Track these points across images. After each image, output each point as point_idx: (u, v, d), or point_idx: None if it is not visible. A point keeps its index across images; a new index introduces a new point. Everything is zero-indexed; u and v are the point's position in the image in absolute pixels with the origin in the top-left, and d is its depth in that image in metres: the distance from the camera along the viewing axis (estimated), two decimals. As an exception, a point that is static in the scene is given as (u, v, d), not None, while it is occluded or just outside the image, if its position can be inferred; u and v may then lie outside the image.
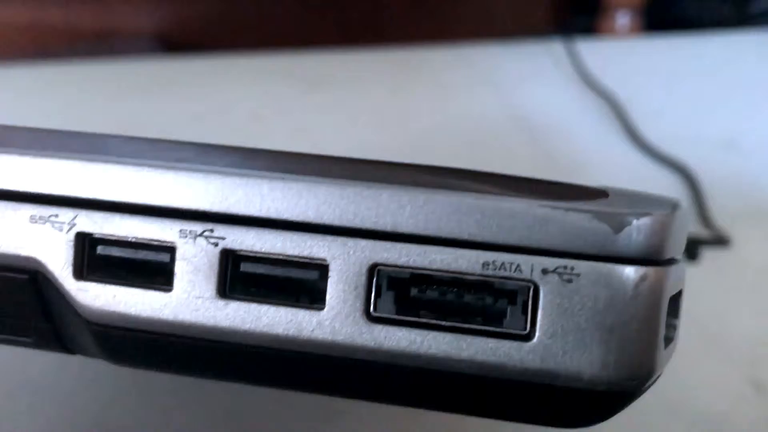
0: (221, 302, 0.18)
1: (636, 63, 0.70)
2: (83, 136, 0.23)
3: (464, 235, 0.17)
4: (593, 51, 0.68)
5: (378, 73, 0.68)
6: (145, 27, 0.94)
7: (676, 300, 0.19)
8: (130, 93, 0.63)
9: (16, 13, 0.91)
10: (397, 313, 0.18)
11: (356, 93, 0.64)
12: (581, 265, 0.17)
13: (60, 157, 0.19)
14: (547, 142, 0.59)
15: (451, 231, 0.17)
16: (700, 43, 0.73)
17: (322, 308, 0.18)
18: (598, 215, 0.17)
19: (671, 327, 0.19)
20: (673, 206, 0.18)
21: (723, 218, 0.48)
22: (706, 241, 0.46)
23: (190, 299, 0.18)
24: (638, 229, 0.17)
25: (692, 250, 0.43)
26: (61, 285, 0.19)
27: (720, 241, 0.46)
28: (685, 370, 0.35)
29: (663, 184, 0.53)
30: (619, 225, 0.17)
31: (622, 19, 0.88)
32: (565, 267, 0.17)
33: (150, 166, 0.19)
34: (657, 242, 0.17)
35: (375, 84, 0.66)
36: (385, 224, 0.18)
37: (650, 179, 0.54)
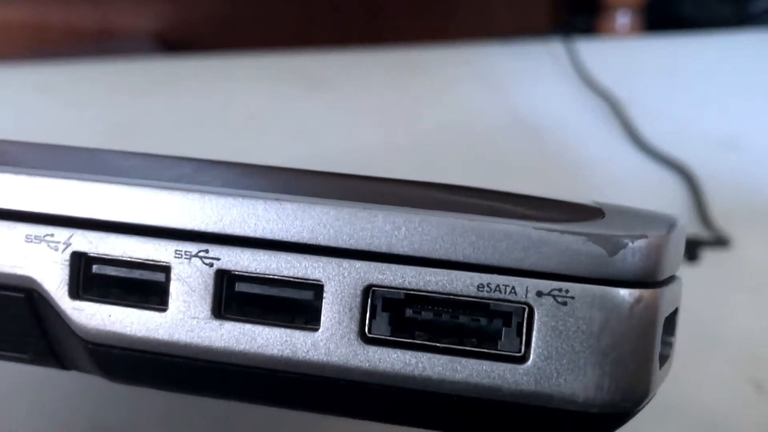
0: (216, 322, 0.18)
1: (636, 63, 0.70)
2: (77, 151, 0.23)
3: (459, 257, 0.17)
4: (593, 51, 0.68)
5: (378, 73, 0.68)
6: (144, 27, 0.94)
7: (671, 318, 0.19)
8: (129, 93, 0.63)
9: (15, 12, 0.91)
10: (392, 334, 0.18)
11: (356, 93, 0.64)
12: (576, 288, 0.17)
13: (56, 177, 0.19)
14: (547, 142, 0.59)
15: (446, 252, 0.17)
16: (700, 43, 0.73)
17: (317, 329, 0.18)
18: (593, 238, 0.17)
19: (667, 345, 0.19)
20: (669, 226, 0.18)
21: (723, 218, 0.48)
22: (706, 241, 0.46)
23: (185, 319, 0.18)
24: (633, 252, 0.17)
25: (692, 250, 0.43)
26: (56, 304, 0.19)
27: (720, 241, 0.46)
28: (685, 370, 0.35)
29: (663, 185, 0.53)
30: (614, 248, 0.17)
31: (622, 19, 0.88)
32: (560, 289, 0.17)
33: (145, 186, 0.19)
34: (652, 264, 0.17)
35: (375, 84, 0.66)
36: (380, 245, 0.18)
37: (650, 179, 0.54)
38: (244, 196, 0.18)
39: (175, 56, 0.82)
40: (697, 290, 0.38)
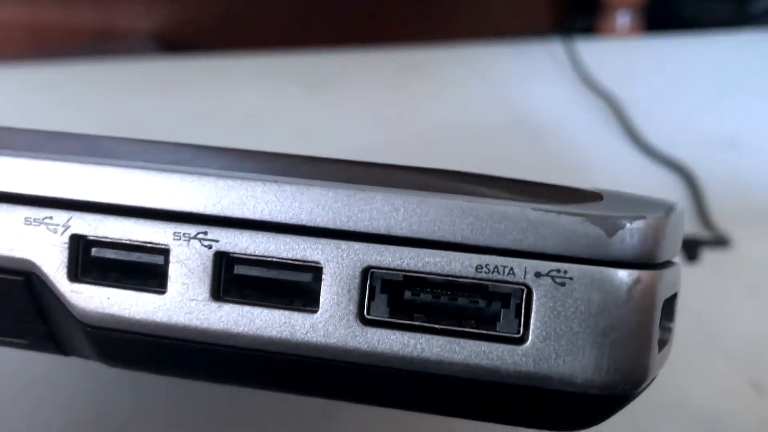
0: (215, 304, 0.18)
1: (636, 63, 0.70)
2: (77, 137, 0.23)
3: (457, 238, 0.17)
4: (593, 51, 0.68)
5: (378, 73, 0.68)
6: (144, 27, 0.94)
7: (670, 303, 0.19)
8: (129, 93, 0.63)
9: (15, 12, 0.91)
10: (391, 316, 0.18)
11: (356, 93, 0.64)
12: (574, 269, 0.17)
13: (54, 159, 0.19)
14: (547, 142, 0.59)
15: (445, 234, 0.17)
16: (700, 43, 0.73)
17: (316, 311, 0.18)
18: (592, 218, 0.17)
19: (666, 330, 0.19)
20: (667, 209, 0.18)
21: (723, 218, 0.48)
22: (706, 241, 0.46)
23: (184, 301, 0.18)
24: (632, 233, 0.17)
25: (692, 250, 0.43)
26: (55, 287, 0.19)
27: (720, 241, 0.46)
28: (685, 370, 0.35)
29: (663, 185, 0.53)
30: (612, 228, 0.17)
31: (622, 19, 0.88)
32: (558, 270, 0.17)
33: (144, 168, 0.18)
34: (651, 246, 0.17)
35: (375, 84, 0.66)
36: (379, 227, 0.18)
37: (650, 179, 0.54)
38: (242, 178, 0.18)
39: (175, 56, 0.82)
40: (697, 290, 0.38)
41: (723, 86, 0.66)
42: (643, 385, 0.17)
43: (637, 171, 0.55)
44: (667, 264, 0.18)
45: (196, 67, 0.70)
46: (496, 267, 0.17)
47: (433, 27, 0.99)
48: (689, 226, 0.48)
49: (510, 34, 0.80)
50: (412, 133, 0.60)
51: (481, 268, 0.17)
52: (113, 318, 0.19)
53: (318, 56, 0.69)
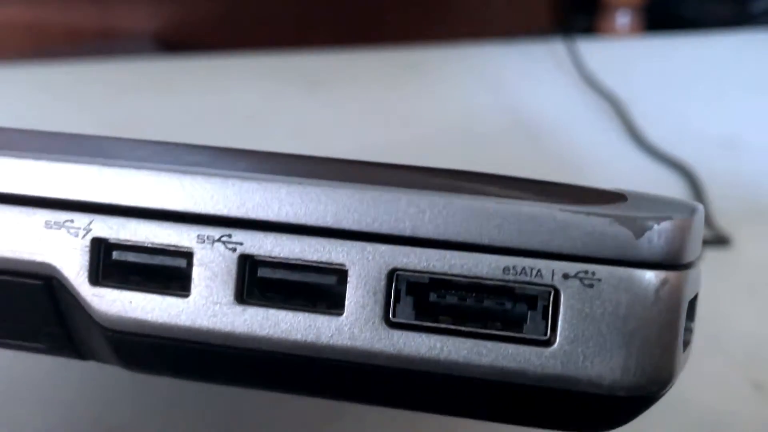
0: (239, 308, 0.18)
1: (637, 63, 0.70)
2: (95, 139, 0.22)
3: (484, 240, 0.17)
4: (594, 50, 0.69)
5: (378, 72, 0.68)
6: (144, 27, 0.94)
7: (693, 303, 0.19)
8: (129, 93, 0.63)
9: (16, 13, 0.90)
10: (417, 319, 0.18)
11: (356, 93, 0.64)
12: (602, 270, 0.17)
13: (76, 162, 0.19)
14: (548, 142, 0.59)
15: (471, 236, 0.17)
16: (700, 43, 0.73)
17: (341, 314, 0.18)
18: (620, 219, 0.17)
19: (688, 330, 0.19)
20: (692, 210, 0.18)
21: (724, 218, 0.48)
22: (707, 240, 0.46)
23: (208, 305, 0.18)
24: (659, 234, 0.17)
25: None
26: (76, 291, 0.19)
27: (721, 240, 0.46)
28: (685, 370, 0.35)
29: (664, 184, 0.53)
30: (640, 229, 0.17)
31: (623, 19, 0.88)
32: (586, 272, 0.17)
33: (167, 170, 0.18)
34: (677, 247, 0.17)
35: (375, 84, 0.66)
36: (404, 229, 0.17)
37: (651, 178, 0.54)
38: (267, 180, 0.18)
39: (175, 56, 0.82)
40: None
41: (723, 86, 0.66)
42: (669, 386, 0.17)
43: (639, 170, 0.55)
44: (692, 264, 0.18)
45: (196, 67, 0.70)
46: (524, 269, 0.17)
47: (434, 27, 0.99)
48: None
49: (510, 33, 0.80)
50: (412, 133, 0.60)
51: (508, 270, 0.17)
52: (135, 322, 0.18)
53: (318, 56, 0.69)
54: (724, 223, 0.48)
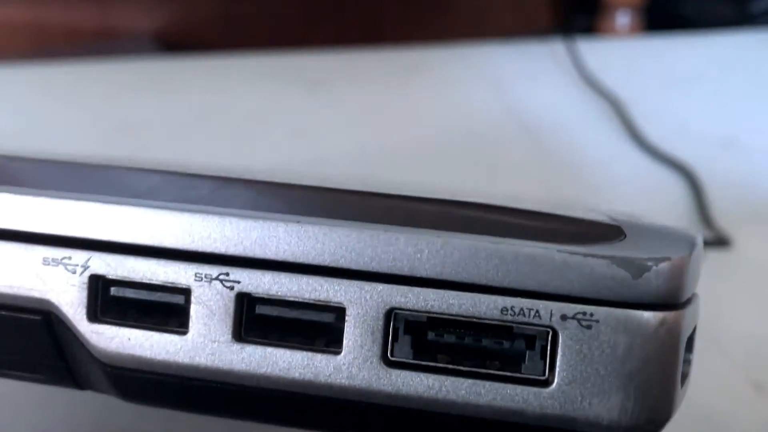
0: (237, 346, 0.18)
1: (637, 63, 0.70)
2: (94, 169, 0.22)
3: (482, 280, 0.17)
4: (594, 50, 0.69)
5: (378, 73, 0.68)
6: (144, 27, 0.94)
7: (691, 335, 0.19)
8: (129, 93, 0.63)
9: (16, 12, 0.90)
10: (415, 357, 0.18)
11: (356, 93, 0.64)
12: (600, 311, 0.17)
13: (73, 198, 0.19)
14: (548, 142, 0.59)
15: (469, 275, 0.17)
16: (700, 43, 0.73)
17: (339, 352, 0.18)
18: (617, 261, 0.17)
19: (686, 362, 0.19)
20: (690, 245, 0.18)
21: (724, 218, 0.48)
22: (707, 241, 0.46)
23: (206, 342, 0.18)
24: (657, 275, 0.17)
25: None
26: (74, 327, 0.19)
27: (721, 241, 0.46)
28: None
29: (664, 184, 0.53)
30: (638, 271, 0.17)
31: (622, 19, 0.88)
32: (585, 313, 0.17)
33: (165, 208, 0.18)
34: (675, 286, 0.17)
35: (375, 84, 0.66)
36: (402, 268, 0.18)
37: (652, 179, 0.54)
38: (264, 218, 0.18)
39: (175, 56, 0.82)
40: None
41: (723, 86, 0.66)
42: (666, 423, 0.17)
43: (639, 170, 0.55)
44: (690, 300, 0.18)
45: (196, 67, 0.70)
46: (522, 309, 0.17)
47: (434, 27, 0.99)
48: (690, 225, 0.48)
49: (510, 33, 0.80)
50: (412, 133, 0.60)
51: (507, 310, 0.17)
52: (134, 358, 0.19)
53: (318, 56, 0.69)
54: (724, 223, 0.48)
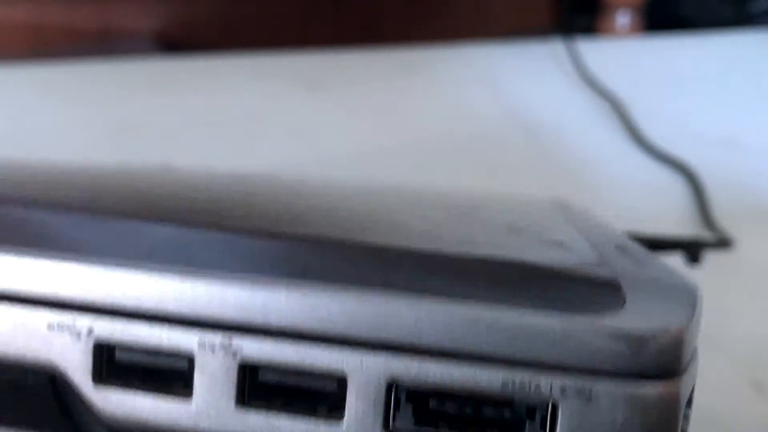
0: (240, 413, 0.18)
1: (637, 63, 0.70)
2: (103, 222, 0.22)
3: (483, 351, 0.17)
4: (594, 50, 0.69)
5: (378, 73, 0.68)
6: (145, 27, 0.93)
7: (690, 396, 0.19)
8: (130, 93, 0.63)
9: (16, 12, 0.90)
10: (416, 425, 0.18)
11: (356, 93, 0.64)
12: (599, 385, 0.17)
13: (79, 262, 0.19)
14: (549, 142, 0.59)
15: (470, 347, 0.18)
16: (700, 43, 0.73)
17: (341, 420, 0.18)
18: (618, 333, 0.17)
19: (685, 418, 0.19)
20: (691, 305, 0.18)
21: (725, 219, 0.48)
22: (708, 243, 0.46)
23: (210, 409, 0.18)
24: (658, 347, 0.17)
25: (694, 252, 0.43)
26: (80, 390, 0.19)
27: (722, 242, 0.46)
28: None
29: (665, 185, 0.53)
30: (638, 344, 0.17)
31: (622, 19, 0.88)
32: (584, 386, 0.17)
33: (168, 273, 0.19)
34: (675, 356, 0.17)
35: (375, 84, 0.66)
36: (404, 338, 0.18)
37: (652, 179, 0.54)
38: (267, 285, 0.18)
39: (176, 56, 0.82)
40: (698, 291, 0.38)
41: (723, 86, 0.66)
42: None
43: (640, 171, 0.55)
44: (689, 365, 0.18)
45: (196, 67, 0.70)
46: (522, 383, 0.17)
47: (433, 27, 0.99)
48: (691, 227, 0.48)
49: (510, 33, 0.80)
50: (412, 133, 0.60)
51: (507, 384, 0.17)
52: (139, 423, 0.19)
53: (318, 56, 0.69)
54: (725, 224, 0.48)
